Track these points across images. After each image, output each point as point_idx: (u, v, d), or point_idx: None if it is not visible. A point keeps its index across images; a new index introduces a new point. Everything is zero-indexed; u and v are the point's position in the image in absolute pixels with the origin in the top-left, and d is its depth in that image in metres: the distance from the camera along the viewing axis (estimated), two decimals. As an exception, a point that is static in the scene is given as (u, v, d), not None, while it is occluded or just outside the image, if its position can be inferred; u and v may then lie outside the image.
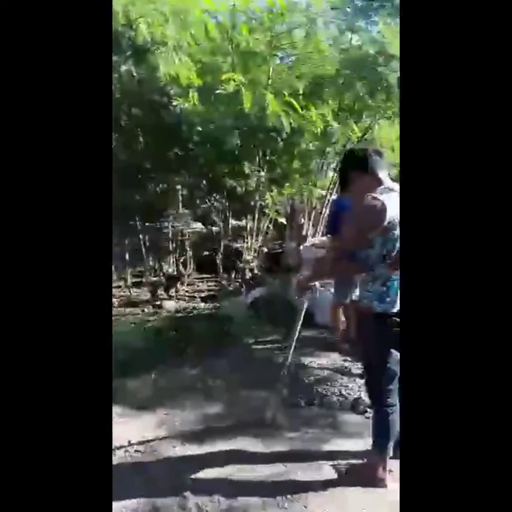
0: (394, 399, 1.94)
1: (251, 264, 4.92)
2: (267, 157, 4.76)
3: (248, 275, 4.95)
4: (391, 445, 1.98)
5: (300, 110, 4.30)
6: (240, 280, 4.97)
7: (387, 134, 5.18)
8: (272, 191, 4.98)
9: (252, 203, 4.82)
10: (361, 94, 4.83)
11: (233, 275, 5.21)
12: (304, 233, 5.45)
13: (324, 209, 5.43)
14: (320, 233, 5.28)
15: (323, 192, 5.50)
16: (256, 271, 4.95)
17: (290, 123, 4.17)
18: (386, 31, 4.62)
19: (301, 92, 4.55)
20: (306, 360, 3.45)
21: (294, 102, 4.25)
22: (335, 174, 5.48)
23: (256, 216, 4.94)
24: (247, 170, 4.54)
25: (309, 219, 5.67)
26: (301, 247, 5.15)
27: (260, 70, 4.69)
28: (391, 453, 2.00)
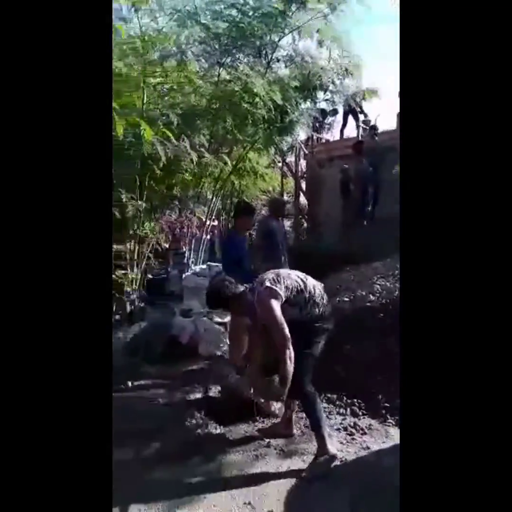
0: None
1: (132, 296, 4.57)
2: (145, 185, 4.56)
3: (128, 308, 4.58)
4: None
5: (175, 140, 4.27)
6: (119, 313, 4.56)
7: (258, 163, 5.66)
8: (151, 219, 4.78)
9: (131, 231, 4.53)
10: (230, 127, 5.05)
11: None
12: (185, 260, 5.35)
13: (204, 236, 5.45)
14: (201, 261, 5.26)
15: (203, 219, 5.53)
16: (137, 303, 4.61)
17: (166, 153, 4.09)
18: (250, 70, 4.97)
19: (174, 122, 4.53)
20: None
21: (168, 132, 4.20)
22: (214, 203, 5.60)
23: (136, 245, 4.64)
24: (124, 198, 4.26)
25: (190, 247, 5.61)
26: (183, 276, 5.04)
27: (132, 97, 4.52)
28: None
